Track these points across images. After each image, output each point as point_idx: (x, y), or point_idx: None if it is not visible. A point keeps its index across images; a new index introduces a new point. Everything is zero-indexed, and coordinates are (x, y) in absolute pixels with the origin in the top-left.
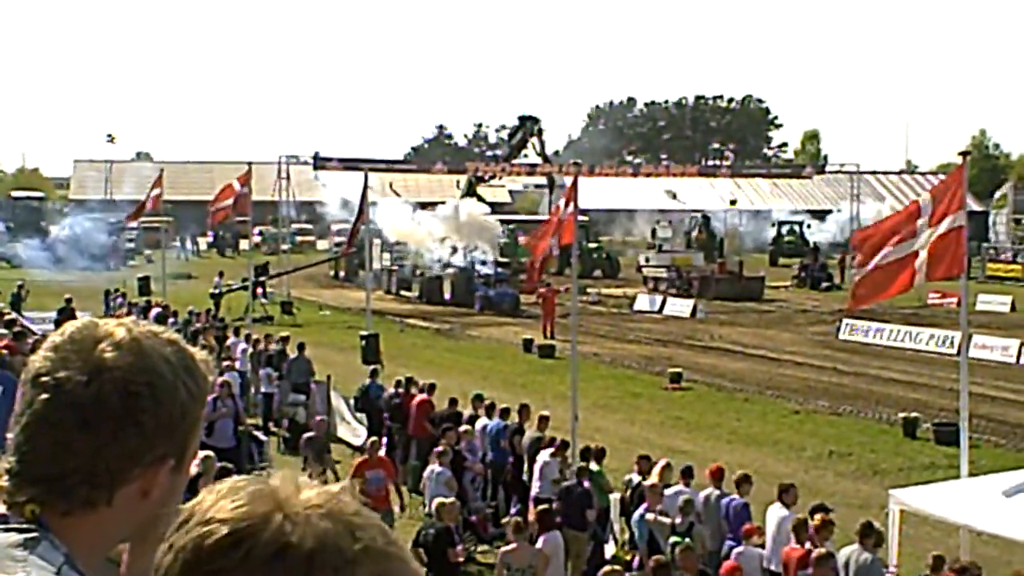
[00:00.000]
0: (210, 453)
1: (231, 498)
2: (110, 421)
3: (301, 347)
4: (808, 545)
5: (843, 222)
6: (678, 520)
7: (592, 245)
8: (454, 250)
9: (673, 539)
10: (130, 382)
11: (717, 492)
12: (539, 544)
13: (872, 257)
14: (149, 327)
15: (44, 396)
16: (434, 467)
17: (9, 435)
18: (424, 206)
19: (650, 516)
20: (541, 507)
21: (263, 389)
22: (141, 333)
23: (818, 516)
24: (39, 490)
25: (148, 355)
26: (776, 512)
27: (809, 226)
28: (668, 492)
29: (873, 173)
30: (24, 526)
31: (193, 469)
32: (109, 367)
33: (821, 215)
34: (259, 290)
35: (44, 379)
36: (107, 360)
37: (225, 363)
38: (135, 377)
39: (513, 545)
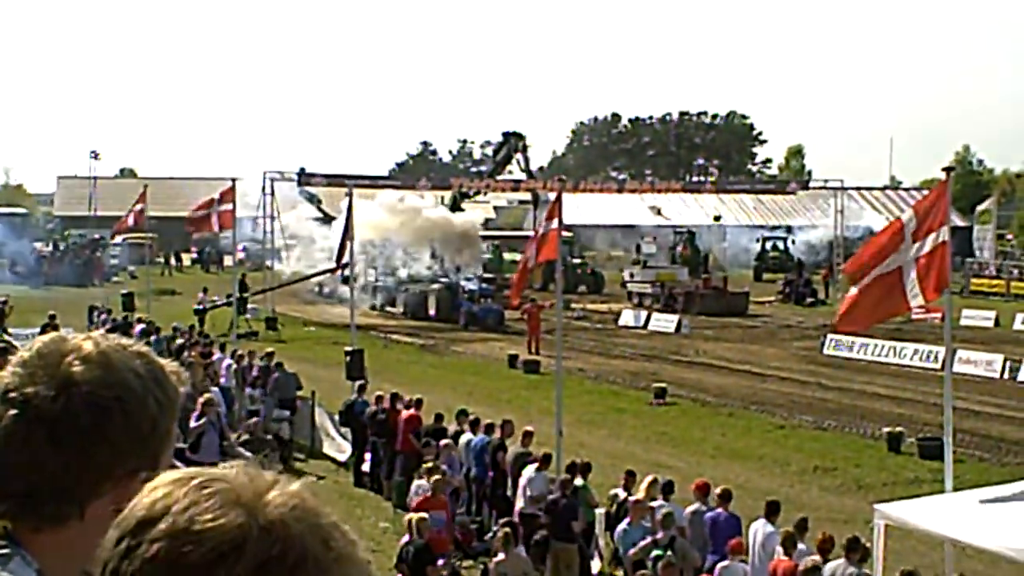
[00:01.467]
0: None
1: (202, 505)
2: (79, 436)
3: (279, 365)
4: (796, 554)
5: (820, 237)
6: (659, 535)
7: (576, 260)
8: (432, 255)
9: (655, 552)
10: (99, 396)
11: (703, 507)
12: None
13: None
14: (118, 340)
15: (12, 412)
16: (421, 483)
17: None
18: None
19: (633, 552)
20: (504, 520)
21: (248, 407)
22: (109, 347)
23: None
24: (9, 506)
25: (116, 368)
26: (761, 528)
27: (793, 241)
28: (650, 506)
29: (857, 189)
30: None
31: None
32: (77, 381)
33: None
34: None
35: (12, 395)
36: (75, 374)
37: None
38: (103, 391)
39: (503, 555)
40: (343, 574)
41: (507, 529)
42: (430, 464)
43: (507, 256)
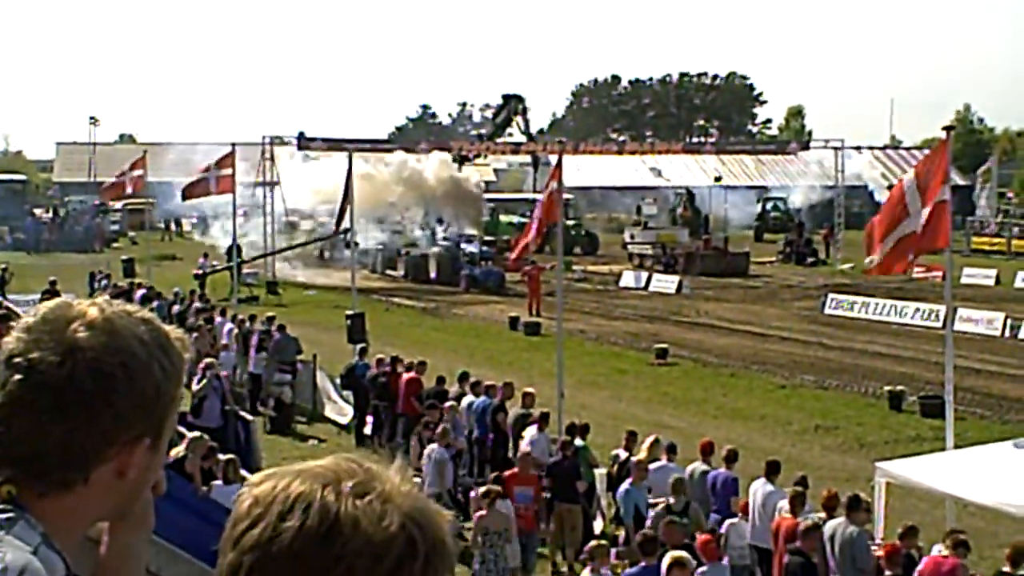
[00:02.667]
0: (198, 434)
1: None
2: (84, 401)
3: (281, 328)
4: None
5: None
6: (672, 500)
7: (571, 222)
8: (440, 221)
9: (670, 518)
10: (103, 362)
11: (703, 467)
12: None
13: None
14: (123, 306)
15: (17, 377)
16: (433, 447)
17: None
18: None
19: (652, 513)
20: (483, 489)
21: (251, 370)
22: (114, 313)
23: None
24: (15, 471)
25: (121, 335)
26: (761, 487)
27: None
28: (652, 467)
29: (858, 148)
30: (0, 506)
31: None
32: (82, 347)
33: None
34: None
35: (17, 360)
36: (80, 340)
37: (215, 345)
38: (108, 357)
39: (484, 512)
40: (446, 565)
41: (491, 485)
42: (442, 428)
43: (504, 219)
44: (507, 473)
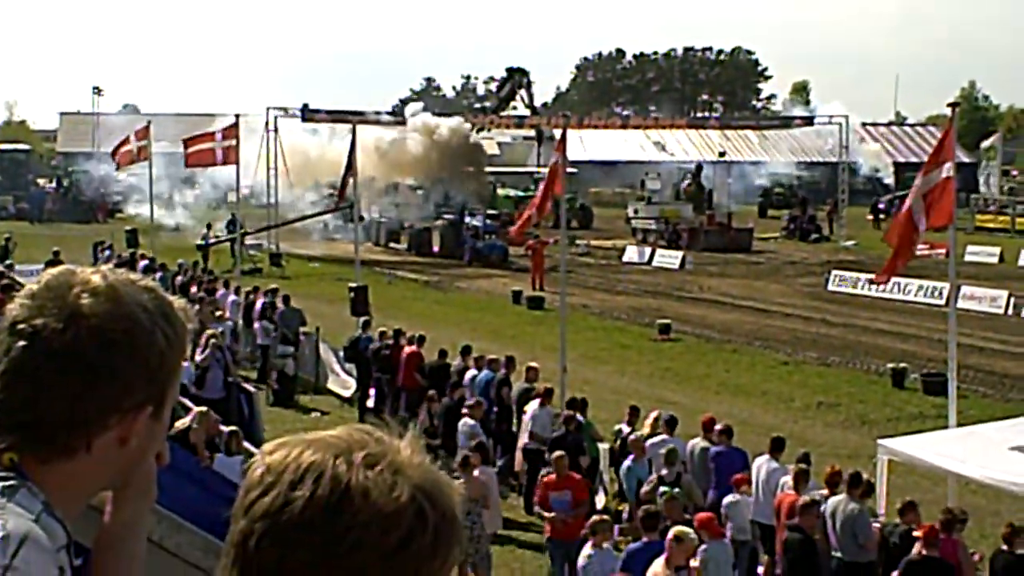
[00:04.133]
0: (205, 408)
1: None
2: (87, 368)
3: (286, 300)
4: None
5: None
6: (664, 472)
7: (566, 196)
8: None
9: (662, 489)
10: (107, 329)
11: (704, 443)
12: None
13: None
14: (127, 274)
15: (21, 343)
16: (466, 420)
17: None
18: None
19: (645, 488)
20: (478, 442)
21: (259, 341)
22: (118, 280)
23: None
24: (17, 438)
25: (125, 302)
26: (764, 464)
27: (799, 178)
28: (653, 441)
29: (863, 124)
30: (2, 474)
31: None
32: (86, 314)
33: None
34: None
35: (21, 326)
36: (84, 307)
37: (217, 314)
38: (112, 324)
39: (461, 479)
40: (456, 537)
41: (468, 453)
42: (474, 401)
43: (501, 192)
44: (544, 479)
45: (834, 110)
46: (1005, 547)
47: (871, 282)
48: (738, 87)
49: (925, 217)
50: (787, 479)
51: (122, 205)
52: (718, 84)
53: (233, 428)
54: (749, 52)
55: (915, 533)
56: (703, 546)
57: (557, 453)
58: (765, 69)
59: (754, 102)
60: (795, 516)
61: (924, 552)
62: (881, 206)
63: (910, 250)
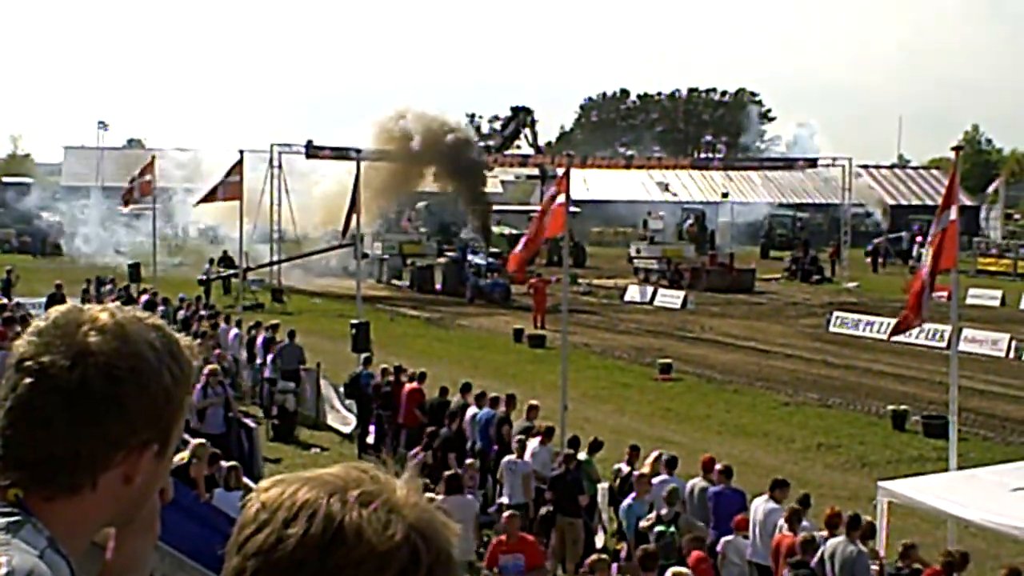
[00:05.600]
0: (203, 441)
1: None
2: (94, 405)
3: (291, 335)
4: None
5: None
6: (663, 511)
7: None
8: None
9: (658, 528)
10: (114, 367)
11: (703, 483)
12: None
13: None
14: (134, 312)
15: (28, 380)
16: (511, 458)
17: None
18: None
19: (644, 524)
20: (449, 473)
21: (267, 375)
22: (125, 318)
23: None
24: (22, 474)
25: (132, 340)
26: (763, 504)
27: (800, 219)
28: (654, 482)
29: (865, 167)
30: (7, 510)
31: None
32: (93, 352)
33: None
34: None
35: (28, 363)
36: (91, 345)
37: (216, 351)
38: (119, 362)
39: (442, 497)
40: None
41: (452, 472)
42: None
43: (496, 230)
44: (494, 541)
45: (837, 152)
46: None
47: (892, 333)
48: (741, 128)
49: (934, 263)
50: (783, 520)
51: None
52: (722, 125)
53: (233, 463)
54: (753, 94)
55: (924, 574)
56: None
57: (507, 513)
58: (768, 110)
59: (757, 143)
60: (795, 555)
61: None
62: (870, 248)
63: (920, 303)
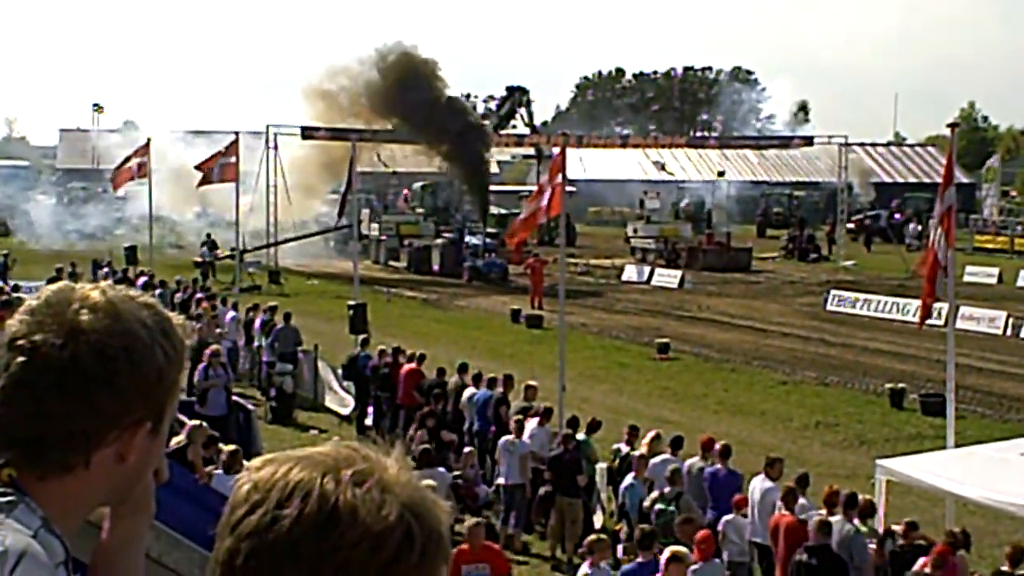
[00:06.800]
0: (200, 422)
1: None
2: (86, 383)
3: (287, 317)
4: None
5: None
6: (666, 489)
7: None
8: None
9: (659, 506)
10: (106, 345)
11: (701, 463)
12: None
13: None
14: (125, 290)
15: (20, 359)
16: (509, 438)
17: None
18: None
19: (647, 503)
20: (423, 446)
21: (265, 358)
22: (117, 296)
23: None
24: (15, 454)
25: (124, 318)
26: (760, 484)
27: (796, 198)
28: (655, 461)
29: (861, 144)
30: (0, 490)
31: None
32: (85, 330)
33: (809, 186)
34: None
35: (20, 342)
36: (83, 323)
37: (217, 331)
38: (111, 340)
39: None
40: (442, 556)
41: (424, 446)
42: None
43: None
44: (457, 550)
45: (833, 130)
46: (1006, 568)
47: (921, 322)
48: (737, 107)
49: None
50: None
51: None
52: (716, 103)
53: (235, 447)
54: (748, 72)
55: (935, 548)
56: (694, 567)
57: (470, 521)
58: (764, 89)
59: (753, 121)
60: (808, 539)
61: (928, 572)
62: (851, 226)
63: (934, 286)
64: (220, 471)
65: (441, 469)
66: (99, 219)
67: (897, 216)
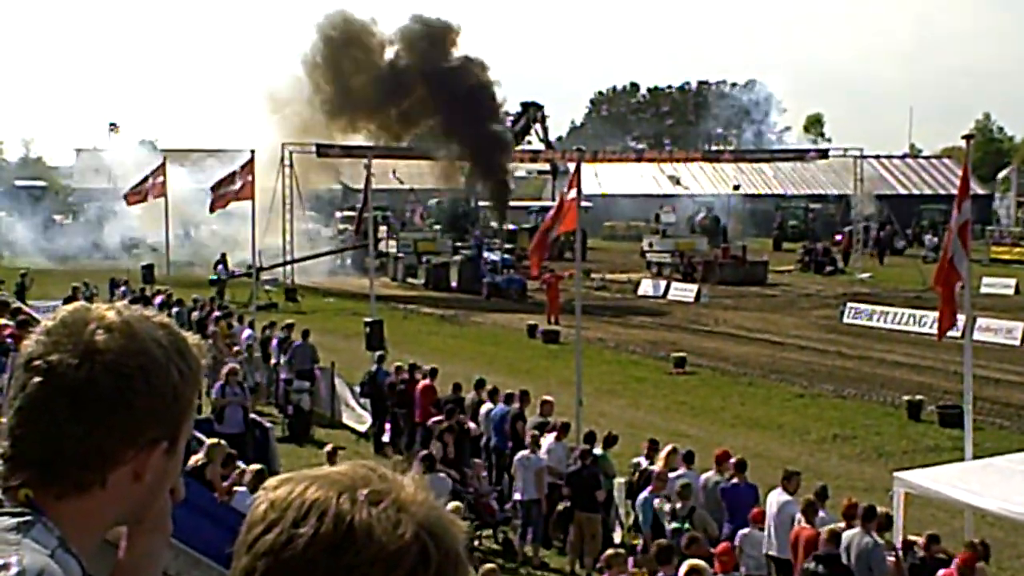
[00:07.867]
0: (217, 440)
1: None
2: (102, 404)
3: (305, 334)
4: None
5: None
6: (678, 505)
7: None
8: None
9: (673, 524)
10: (122, 364)
11: (717, 477)
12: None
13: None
14: (140, 310)
15: (36, 379)
16: (525, 453)
17: (2, 419)
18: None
19: (657, 502)
20: (424, 452)
21: (283, 376)
22: (132, 316)
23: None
24: (32, 474)
25: (140, 338)
26: (777, 497)
27: (812, 210)
28: (671, 476)
29: (876, 157)
30: (18, 510)
31: (200, 457)
32: (101, 350)
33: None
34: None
35: (36, 363)
36: (99, 343)
37: (234, 348)
38: (127, 360)
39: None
40: (460, 574)
41: (425, 451)
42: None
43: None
44: None
45: (848, 143)
46: None
47: (940, 335)
48: (752, 120)
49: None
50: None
51: None
52: (731, 118)
53: (260, 467)
54: (763, 85)
55: (960, 556)
56: None
57: (485, 568)
58: (779, 102)
59: (768, 135)
60: (819, 548)
61: None
62: (839, 239)
63: (954, 298)
64: (244, 488)
65: (442, 475)
66: (114, 239)
67: (889, 227)
